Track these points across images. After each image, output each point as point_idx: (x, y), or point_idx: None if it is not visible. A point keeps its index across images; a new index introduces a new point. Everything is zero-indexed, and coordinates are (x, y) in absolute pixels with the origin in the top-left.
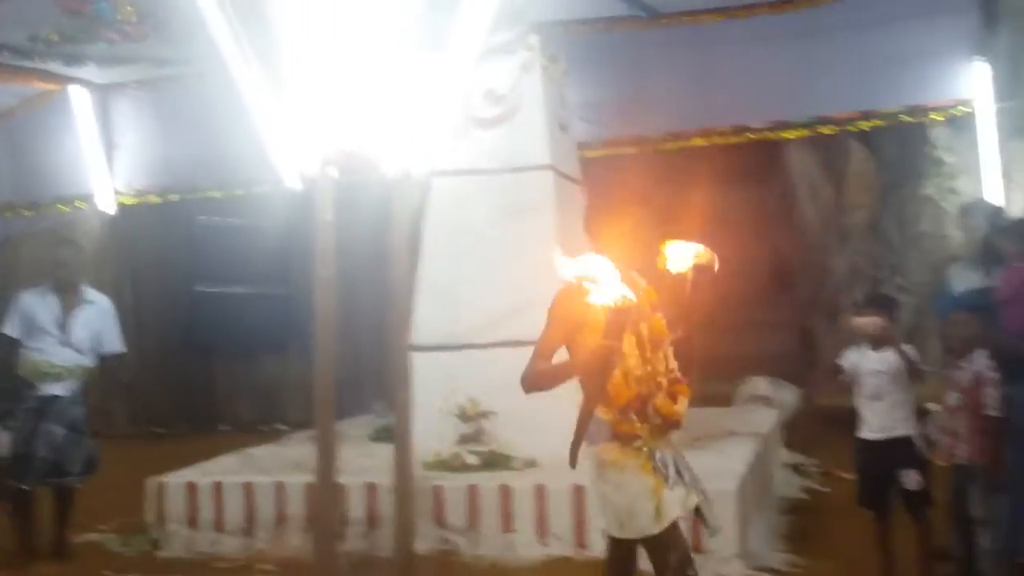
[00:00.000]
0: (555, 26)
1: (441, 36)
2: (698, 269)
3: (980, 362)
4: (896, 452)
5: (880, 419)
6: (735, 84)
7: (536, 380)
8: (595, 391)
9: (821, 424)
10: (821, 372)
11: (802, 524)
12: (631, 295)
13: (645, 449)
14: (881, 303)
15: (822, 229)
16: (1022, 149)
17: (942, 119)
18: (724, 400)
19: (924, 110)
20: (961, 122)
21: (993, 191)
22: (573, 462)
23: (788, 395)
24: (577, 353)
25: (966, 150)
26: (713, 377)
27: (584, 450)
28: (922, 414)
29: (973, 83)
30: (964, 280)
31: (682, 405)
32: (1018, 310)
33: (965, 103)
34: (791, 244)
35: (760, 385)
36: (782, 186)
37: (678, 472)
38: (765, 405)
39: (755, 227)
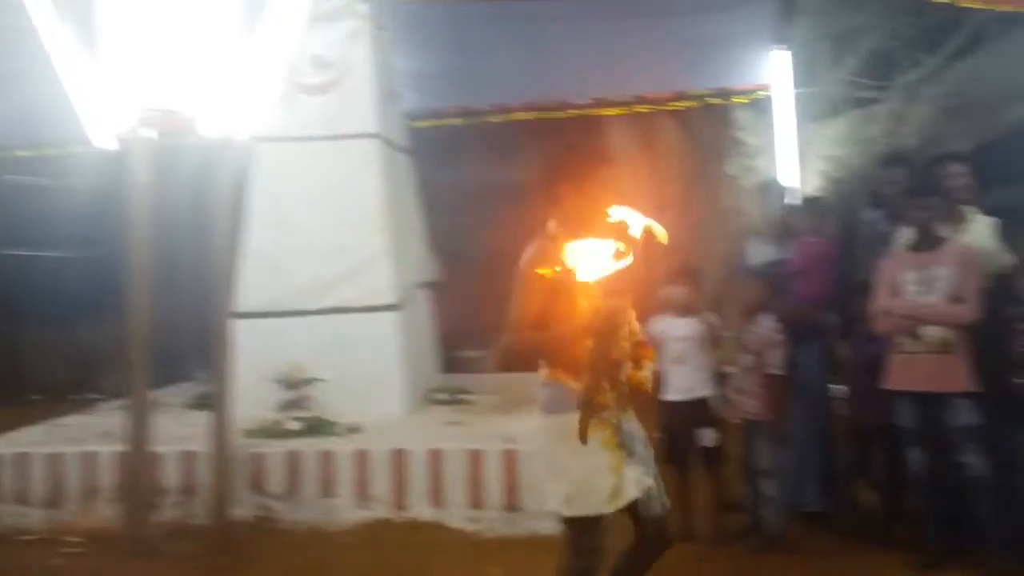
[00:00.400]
0: None
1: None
2: (647, 237)
3: (766, 325)
4: (695, 412)
5: (682, 382)
6: (559, 62)
7: (526, 352)
8: (603, 353)
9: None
10: None
11: None
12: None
13: (614, 421)
14: (687, 274)
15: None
16: (816, 132)
17: (745, 102)
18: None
19: (730, 92)
20: (762, 105)
21: (789, 171)
22: (584, 437)
23: None
24: (563, 318)
25: (765, 131)
26: None
27: (540, 420)
28: (720, 377)
29: (773, 69)
30: (760, 253)
31: (647, 371)
32: (808, 280)
33: (765, 88)
34: None
35: None
36: (604, 160)
37: (639, 447)
38: None
39: None
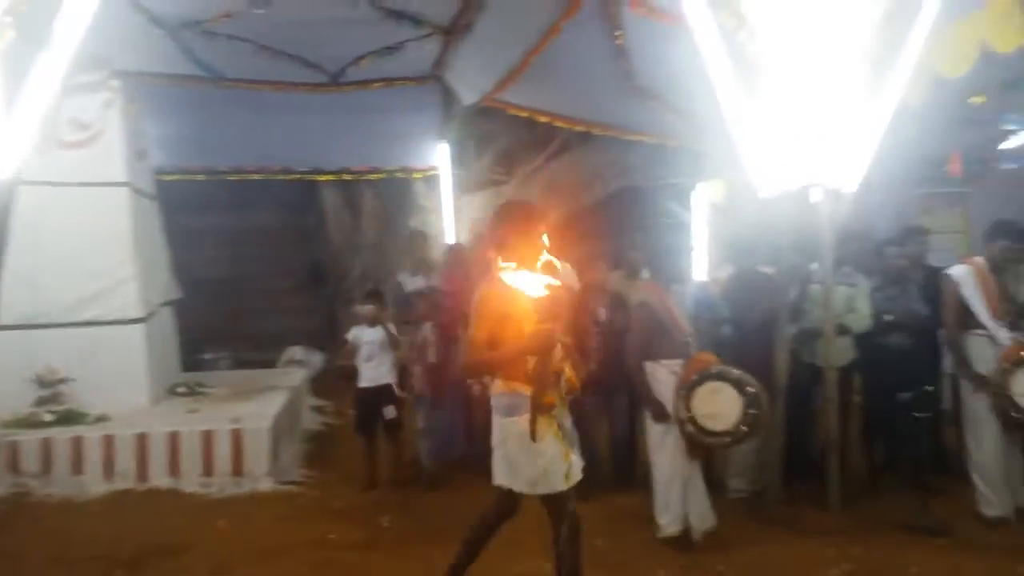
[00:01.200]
0: (136, 75)
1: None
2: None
3: (425, 328)
4: (381, 395)
5: (372, 373)
6: (284, 136)
7: (483, 367)
8: (543, 368)
9: (337, 378)
10: (338, 343)
11: (320, 448)
12: (554, 284)
13: (558, 418)
14: (376, 296)
15: (344, 245)
16: (468, 201)
17: (421, 176)
18: (270, 364)
19: (411, 170)
20: (433, 180)
21: (450, 226)
22: (535, 435)
23: (316, 359)
24: (511, 340)
25: (436, 198)
26: (265, 347)
27: (501, 421)
28: (400, 368)
29: (439, 156)
30: (411, 282)
31: (572, 372)
32: (455, 300)
33: (434, 168)
34: (324, 253)
35: (296, 352)
36: (318, 213)
37: (573, 438)
38: (299, 366)
39: (299, 240)
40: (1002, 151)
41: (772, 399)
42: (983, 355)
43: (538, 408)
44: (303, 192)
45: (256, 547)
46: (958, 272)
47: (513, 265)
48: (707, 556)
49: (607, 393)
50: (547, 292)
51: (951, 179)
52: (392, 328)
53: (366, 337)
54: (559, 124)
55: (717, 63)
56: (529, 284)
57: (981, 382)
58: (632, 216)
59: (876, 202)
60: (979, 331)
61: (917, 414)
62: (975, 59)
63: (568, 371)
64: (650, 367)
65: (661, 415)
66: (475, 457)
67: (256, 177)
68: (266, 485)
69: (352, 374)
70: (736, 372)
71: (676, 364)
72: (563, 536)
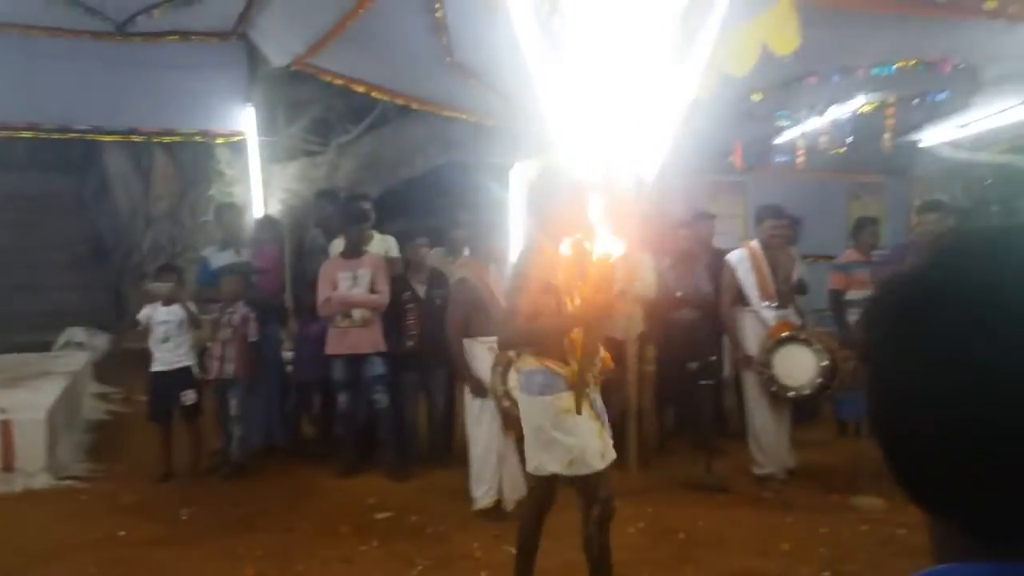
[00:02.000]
0: None
1: None
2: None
3: (242, 309)
4: (179, 378)
5: (167, 356)
6: (61, 90)
7: (526, 339)
8: (593, 341)
9: (126, 361)
10: (127, 323)
11: (106, 438)
12: (614, 254)
13: (592, 396)
14: (171, 271)
15: (132, 214)
16: (278, 171)
17: (224, 142)
18: (46, 347)
19: (213, 134)
20: (238, 146)
21: (258, 197)
22: (580, 409)
23: (101, 341)
24: (550, 312)
25: (242, 166)
26: (38, 328)
27: (533, 400)
28: (201, 350)
29: (244, 120)
30: (218, 257)
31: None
32: (267, 277)
33: (240, 134)
34: (107, 224)
35: (77, 334)
36: (100, 178)
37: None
38: (80, 349)
39: (78, 209)
40: (776, 145)
41: None
42: (755, 334)
43: (584, 383)
44: (83, 154)
45: (32, 550)
46: (734, 256)
47: (561, 237)
48: (518, 522)
49: (425, 369)
50: (599, 263)
51: (734, 168)
52: (192, 306)
53: (161, 317)
54: (377, 95)
55: (532, 46)
56: (580, 254)
57: (747, 361)
58: (453, 193)
59: (670, 188)
60: (750, 311)
61: (702, 382)
62: (757, 59)
63: (603, 348)
64: (469, 344)
65: (480, 390)
66: (288, 442)
67: (26, 135)
68: (43, 482)
69: (145, 357)
70: None
71: (494, 341)
72: (593, 518)
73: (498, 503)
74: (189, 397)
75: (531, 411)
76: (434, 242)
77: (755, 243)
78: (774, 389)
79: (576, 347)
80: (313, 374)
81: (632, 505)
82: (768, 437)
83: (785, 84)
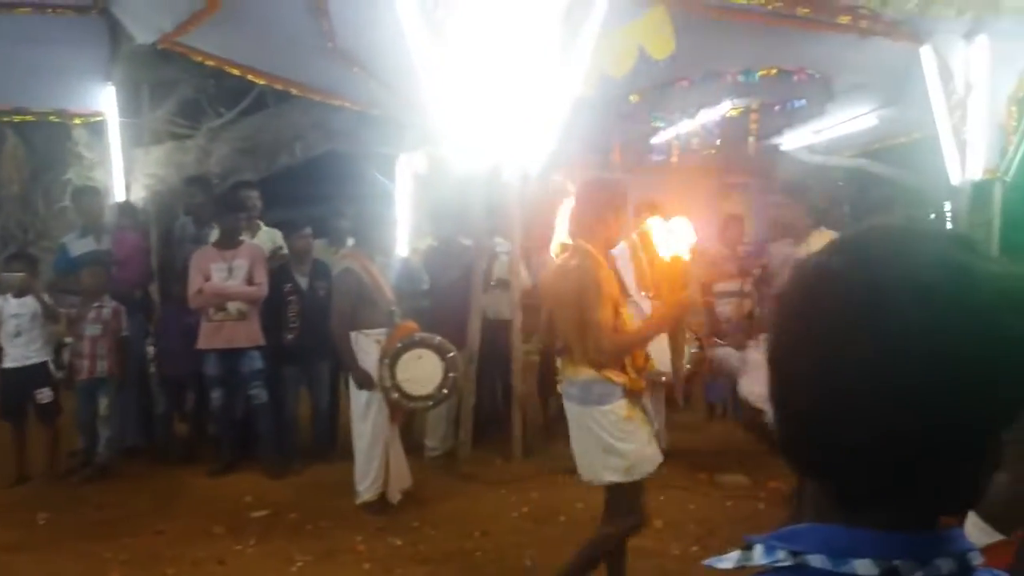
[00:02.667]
0: None
1: None
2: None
3: (110, 302)
4: (33, 376)
5: (20, 351)
6: None
7: (625, 349)
8: (679, 339)
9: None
10: None
11: None
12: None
13: (641, 402)
14: (23, 260)
15: None
16: (143, 155)
17: (83, 123)
18: None
19: (70, 115)
20: (98, 127)
21: (119, 182)
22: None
23: None
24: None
25: (102, 149)
26: None
27: (590, 410)
28: (59, 345)
29: (105, 101)
30: (78, 245)
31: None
32: (127, 267)
33: (100, 114)
34: None
35: None
36: None
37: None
38: None
39: None
40: (652, 144)
41: (467, 362)
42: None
43: (628, 394)
44: None
45: None
46: (616, 249)
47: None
48: (403, 514)
49: (307, 362)
50: (672, 261)
51: (615, 166)
52: (47, 298)
53: (12, 309)
54: (253, 78)
55: (416, 38)
56: (661, 251)
57: None
58: (336, 183)
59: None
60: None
61: None
62: (634, 62)
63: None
64: (354, 336)
65: (367, 383)
66: (154, 443)
67: None
68: None
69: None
70: (437, 339)
71: (380, 333)
72: (629, 524)
73: (383, 496)
74: (45, 396)
75: (587, 421)
76: (316, 233)
77: (636, 237)
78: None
79: (677, 342)
80: (183, 369)
81: (517, 491)
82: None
83: (660, 87)
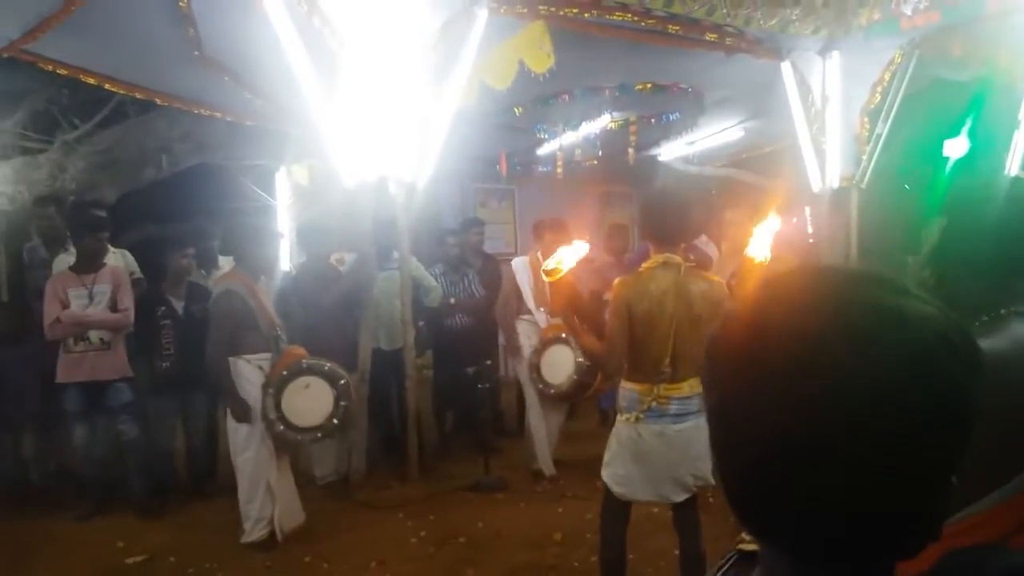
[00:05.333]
0: None
1: None
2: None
3: None
4: None
5: None
6: None
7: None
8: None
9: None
10: None
11: None
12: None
13: None
14: None
15: None
16: None
17: None
18: None
19: None
20: None
21: None
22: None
23: None
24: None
25: None
26: None
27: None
28: None
29: None
30: None
31: None
32: None
33: None
34: None
35: None
36: None
37: None
38: None
39: None
40: (538, 155)
41: (358, 382)
42: (528, 338)
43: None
44: None
45: None
46: (517, 262)
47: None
48: (294, 550)
49: (183, 392)
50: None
51: (500, 177)
52: None
53: None
54: (111, 87)
55: (292, 47)
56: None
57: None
58: (209, 197)
59: (442, 195)
60: (526, 316)
61: (480, 385)
62: (515, 75)
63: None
64: (234, 363)
65: (245, 415)
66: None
67: None
68: None
69: None
70: (328, 365)
71: (264, 359)
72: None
73: (271, 533)
74: None
75: (621, 428)
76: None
77: (538, 253)
78: (541, 386)
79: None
80: (38, 406)
81: (414, 515)
82: (539, 433)
83: (542, 100)
